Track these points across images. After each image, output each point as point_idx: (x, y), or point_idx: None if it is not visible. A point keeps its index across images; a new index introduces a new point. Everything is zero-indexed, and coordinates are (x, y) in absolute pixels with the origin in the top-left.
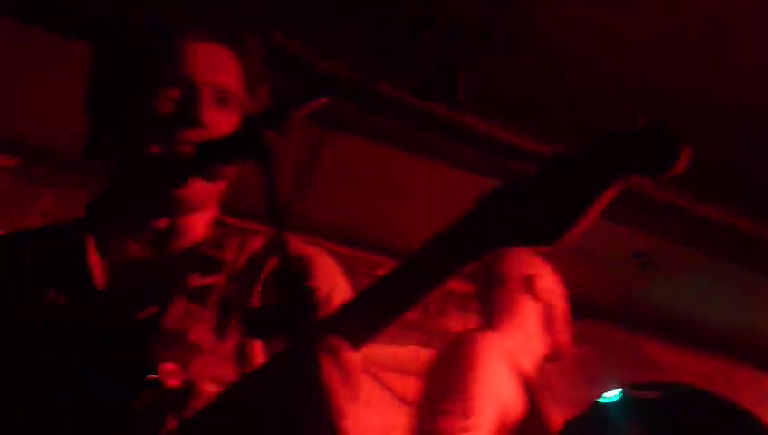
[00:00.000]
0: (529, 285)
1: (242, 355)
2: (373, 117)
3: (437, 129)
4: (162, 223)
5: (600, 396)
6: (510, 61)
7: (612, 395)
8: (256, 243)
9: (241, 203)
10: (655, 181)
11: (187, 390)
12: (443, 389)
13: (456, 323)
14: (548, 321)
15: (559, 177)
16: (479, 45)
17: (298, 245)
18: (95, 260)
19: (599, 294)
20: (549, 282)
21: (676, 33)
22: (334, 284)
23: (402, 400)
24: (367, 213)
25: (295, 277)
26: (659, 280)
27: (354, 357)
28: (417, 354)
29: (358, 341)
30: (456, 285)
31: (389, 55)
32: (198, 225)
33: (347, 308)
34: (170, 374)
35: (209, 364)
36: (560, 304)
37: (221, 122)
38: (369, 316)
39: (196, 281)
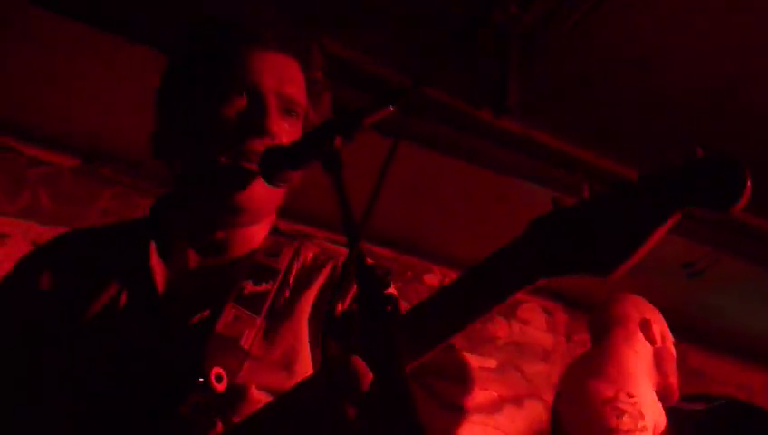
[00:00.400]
0: (646, 327)
1: (290, 363)
2: (418, 122)
3: (483, 135)
4: (222, 232)
5: None
6: (562, 66)
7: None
8: (309, 253)
9: (294, 206)
10: (714, 215)
11: (236, 394)
12: (612, 388)
13: (501, 329)
14: (659, 363)
15: (616, 206)
16: (529, 52)
17: (334, 251)
18: (156, 264)
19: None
20: (663, 327)
21: (737, 49)
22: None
23: (445, 405)
24: (412, 219)
25: (376, 284)
26: (708, 290)
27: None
28: (463, 361)
29: (407, 361)
30: None
31: (441, 60)
32: (257, 234)
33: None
34: (219, 378)
35: (258, 370)
36: (671, 349)
37: (286, 132)
38: (420, 337)
39: (250, 288)
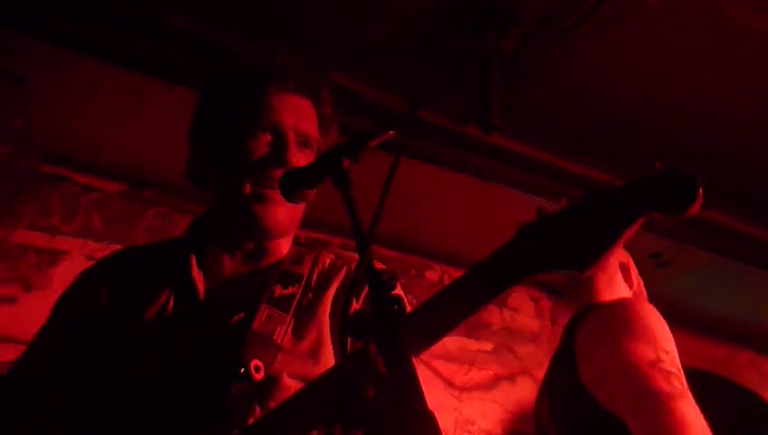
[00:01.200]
0: (625, 271)
1: (316, 354)
2: (416, 141)
3: (472, 149)
4: (252, 244)
5: None
6: (539, 86)
7: None
8: (326, 260)
9: (313, 216)
10: (673, 218)
11: (271, 382)
12: (652, 348)
13: (494, 317)
14: None
15: (589, 214)
16: (509, 75)
17: (347, 257)
18: (197, 274)
19: None
20: (635, 271)
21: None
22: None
23: (448, 383)
24: (413, 223)
25: (385, 288)
26: (674, 277)
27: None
28: (462, 344)
29: (413, 351)
30: None
31: (434, 87)
32: (282, 246)
33: (406, 322)
34: (257, 369)
35: (289, 361)
36: (644, 292)
37: (303, 161)
38: (423, 330)
39: (279, 291)
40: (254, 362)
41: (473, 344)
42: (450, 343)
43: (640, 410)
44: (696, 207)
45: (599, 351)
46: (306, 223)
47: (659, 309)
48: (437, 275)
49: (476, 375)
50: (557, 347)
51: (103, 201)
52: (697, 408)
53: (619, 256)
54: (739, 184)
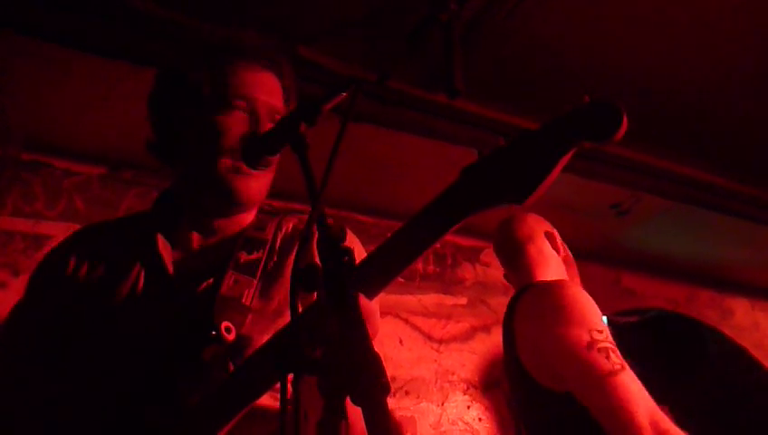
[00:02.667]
0: (551, 239)
1: (284, 313)
2: (386, 109)
3: (439, 115)
4: (220, 216)
5: None
6: (500, 49)
7: None
8: (289, 225)
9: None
10: (602, 145)
11: (244, 342)
12: (584, 330)
13: (467, 272)
14: (567, 270)
15: (525, 148)
16: (471, 38)
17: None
18: (164, 250)
19: (584, 239)
20: (560, 238)
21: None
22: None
23: (428, 337)
24: (386, 189)
25: (336, 240)
26: (633, 224)
27: (369, 305)
28: (438, 300)
29: (372, 292)
30: (466, 241)
31: (397, 54)
32: (248, 215)
33: (361, 266)
34: (228, 330)
35: (258, 321)
36: (571, 257)
37: None
38: (379, 271)
39: (244, 257)
40: (225, 324)
41: (449, 300)
42: (427, 299)
43: (588, 390)
44: (620, 133)
45: (534, 336)
46: (283, 194)
47: (621, 255)
48: None
49: (454, 328)
50: (503, 324)
51: (84, 184)
52: (636, 377)
53: (543, 225)
54: (690, 135)
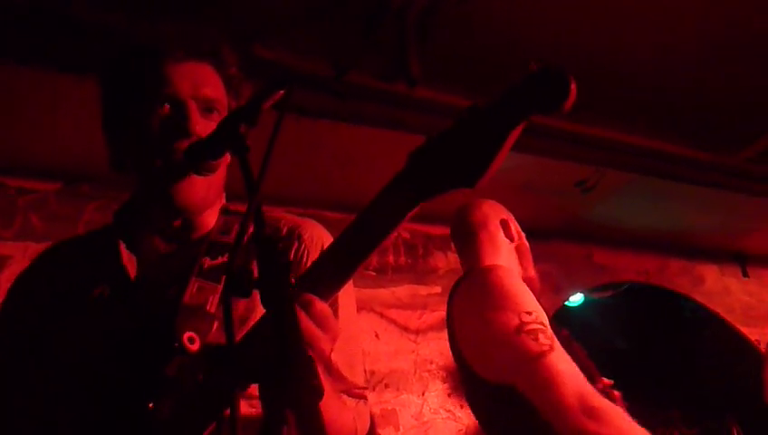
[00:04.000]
0: (505, 227)
1: (248, 318)
2: (345, 104)
3: (401, 105)
4: (178, 221)
5: (565, 301)
6: (457, 34)
7: (576, 300)
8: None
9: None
10: (552, 115)
11: (207, 351)
12: (513, 315)
13: (440, 261)
14: (520, 258)
15: (472, 128)
16: (425, 25)
17: (290, 218)
18: (127, 258)
19: (552, 219)
20: (517, 226)
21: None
22: (323, 246)
23: (404, 329)
24: (355, 185)
25: (269, 242)
26: (600, 200)
27: (324, 307)
28: (412, 291)
29: (328, 292)
30: (436, 229)
31: (354, 48)
32: (209, 218)
33: (314, 267)
34: (191, 341)
35: (222, 329)
36: (526, 244)
37: (210, 128)
38: (333, 271)
39: (208, 263)
40: (188, 335)
41: (423, 290)
42: (401, 291)
43: (520, 374)
44: (569, 102)
45: (467, 324)
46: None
47: (590, 232)
48: None
49: (429, 317)
50: (446, 314)
51: (40, 202)
52: (566, 355)
53: (499, 213)
54: (647, 107)
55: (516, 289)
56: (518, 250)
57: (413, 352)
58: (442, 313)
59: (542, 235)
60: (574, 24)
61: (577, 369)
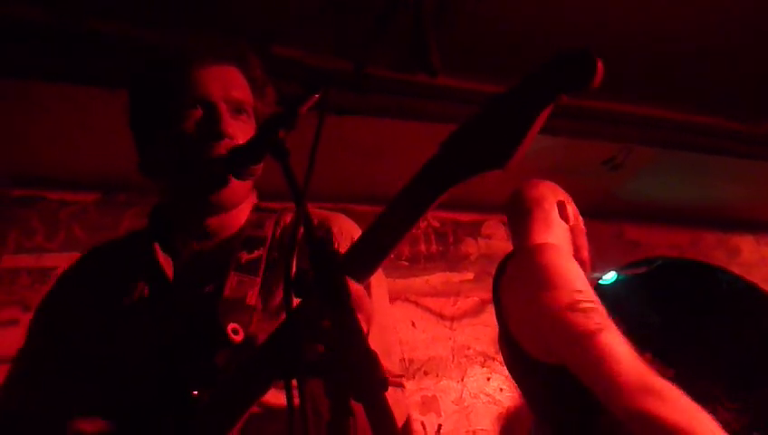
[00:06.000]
0: (561, 208)
1: (282, 310)
2: (368, 97)
3: (421, 96)
4: (212, 220)
5: (599, 280)
6: (474, 21)
7: (609, 278)
8: (287, 218)
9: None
10: (580, 95)
11: (252, 342)
12: (565, 293)
13: (470, 247)
14: (574, 239)
15: (500, 111)
16: (442, 14)
17: (319, 213)
18: (164, 259)
19: (581, 198)
20: (574, 208)
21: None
22: (352, 238)
23: (440, 316)
24: (379, 177)
25: (320, 244)
26: (628, 177)
27: (358, 288)
28: (445, 278)
29: (362, 275)
30: (465, 216)
31: (372, 42)
32: (241, 215)
33: (350, 250)
34: (235, 332)
35: (263, 320)
36: (582, 226)
37: (240, 129)
38: (368, 253)
39: (245, 257)
40: (232, 326)
41: (456, 277)
42: (434, 279)
43: (571, 353)
44: (597, 80)
45: (517, 303)
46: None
47: (620, 209)
48: None
49: (464, 304)
50: (492, 293)
51: (81, 213)
52: (620, 335)
53: (556, 193)
54: (672, 79)
55: (567, 267)
56: (573, 231)
57: (450, 338)
58: (476, 298)
59: None
60: (593, 4)
61: (632, 348)
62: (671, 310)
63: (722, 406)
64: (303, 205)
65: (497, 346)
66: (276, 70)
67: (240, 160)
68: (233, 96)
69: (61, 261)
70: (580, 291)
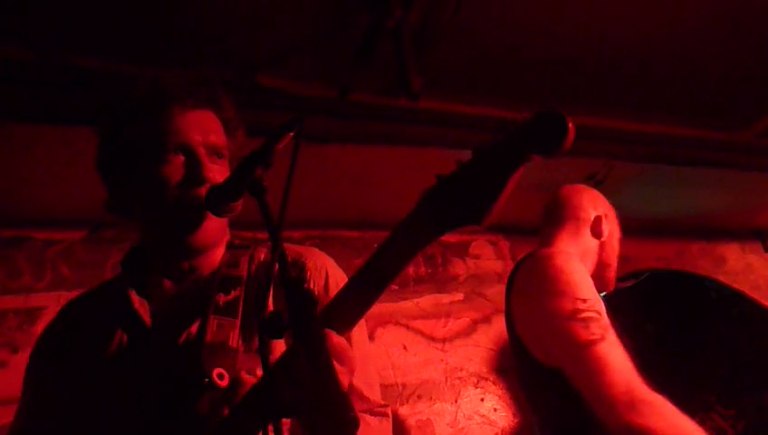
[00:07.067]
0: (597, 222)
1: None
2: (351, 124)
3: (404, 120)
4: (186, 263)
5: None
6: (453, 47)
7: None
8: (261, 254)
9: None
10: (550, 158)
11: (236, 384)
12: (568, 299)
13: (459, 268)
14: (601, 255)
15: (479, 167)
16: (422, 40)
17: (293, 248)
18: (139, 306)
19: None
20: (612, 225)
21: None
22: (327, 273)
23: (431, 339)
24: (365, 203)
25: (294, 284)
26: (612, 192)
27: (341, 341)
28: (435, 300)
29: (345, 326)
30: (452, 237)
31: (354, 69)
32: (216, 254)
33: (332, 302)
34: (221, 377)
35: (246, 360)
36: (614, 244)
37: (219, 172)
38: (350, 305)
39: (222, 299)
40: (217, 371)
41: (445, 298)
42: (424, 302)
43: (568, 360)
44: (569, 141)
45: (525, 307)
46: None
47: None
48: None
49: (455, 325)
50: (505, 296)
51: (67, 251)
52: (618, 345)
53: (598, 206)
54: (649, 93)
55: (575, 276)
56: (603, 247)
57: (442, 360)
58: (467, 319)
59: None
60: (564, 17)
61: (628, 361)
62: (662, 321)
63: (717, 414)
64: (279, 243)
65: (489, 366)
66: (261, 100)
67: (219, 198)
68: (211, 141)
69: (48, 301)
70: (585, 300)
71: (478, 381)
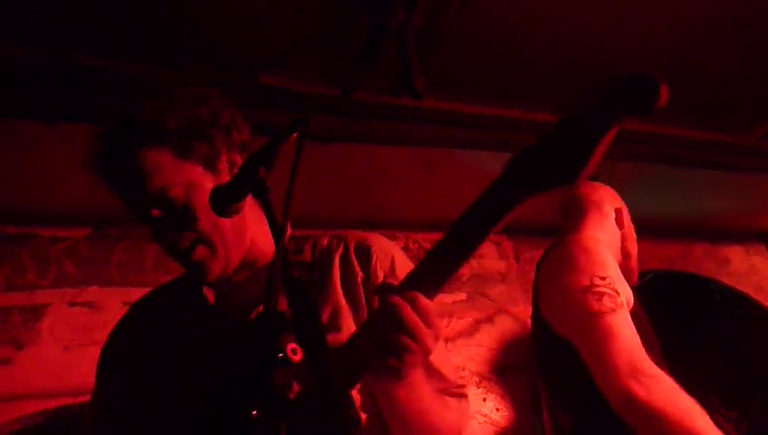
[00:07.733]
0: (618, 214)
1: (335, 322)
2: (355, 123)
3: (407, 119)
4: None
5: None
6: (456, 47)
7: None
8: (324, 241)
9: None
10: (643, 118)
11: (306, 362)
12: (586, 276)
13: (462, 268)
14: (624, 245)
15: (568, 132)
16: (426, 41)
17: (357, 235)
18: (207, 292)
19: None
20: (629, 218)
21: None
22: (392, 258)
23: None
24: (372, 201)
25: (295, 284)
26: (618, 194)
27: (428, 304)
28: (438, 300)
29: (431, 291)
30: None
31: (357, 69)
32: (265, 245)
33: (418, 267)
34: (294, 352)
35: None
36: (634, 235)
37: (181, 225)
38: (437, 269)
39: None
40: (291, 346)
41: (448, 298)
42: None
43: (579, 330)
44: (662, 101)
45: (549, 283)
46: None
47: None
48: (403, 242)
49: (458, 325)
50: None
51: (72, 248)
52: (628, 320)
53: (614, 200)
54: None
55: (598, 256)
56: (625, 238)
57: None
58: (469, 319)
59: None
60: (567, 18)
61: (636, 336)
62: (666, 322)
63: (720, 415)
64: (283, 241)
65: (492, 366)
66: (264, 98)
67: (221, 199)
68: (160, 184)
69: (52, 298)
70: (603, 277)
71: (480, 381)
